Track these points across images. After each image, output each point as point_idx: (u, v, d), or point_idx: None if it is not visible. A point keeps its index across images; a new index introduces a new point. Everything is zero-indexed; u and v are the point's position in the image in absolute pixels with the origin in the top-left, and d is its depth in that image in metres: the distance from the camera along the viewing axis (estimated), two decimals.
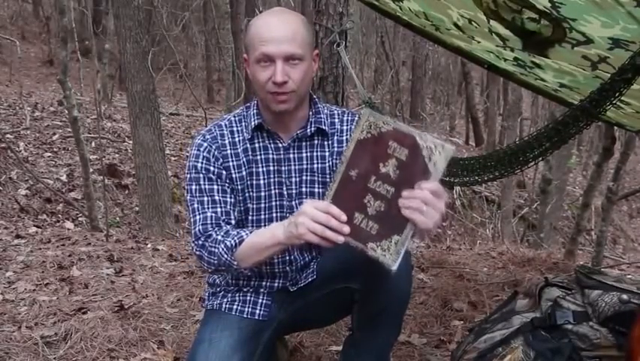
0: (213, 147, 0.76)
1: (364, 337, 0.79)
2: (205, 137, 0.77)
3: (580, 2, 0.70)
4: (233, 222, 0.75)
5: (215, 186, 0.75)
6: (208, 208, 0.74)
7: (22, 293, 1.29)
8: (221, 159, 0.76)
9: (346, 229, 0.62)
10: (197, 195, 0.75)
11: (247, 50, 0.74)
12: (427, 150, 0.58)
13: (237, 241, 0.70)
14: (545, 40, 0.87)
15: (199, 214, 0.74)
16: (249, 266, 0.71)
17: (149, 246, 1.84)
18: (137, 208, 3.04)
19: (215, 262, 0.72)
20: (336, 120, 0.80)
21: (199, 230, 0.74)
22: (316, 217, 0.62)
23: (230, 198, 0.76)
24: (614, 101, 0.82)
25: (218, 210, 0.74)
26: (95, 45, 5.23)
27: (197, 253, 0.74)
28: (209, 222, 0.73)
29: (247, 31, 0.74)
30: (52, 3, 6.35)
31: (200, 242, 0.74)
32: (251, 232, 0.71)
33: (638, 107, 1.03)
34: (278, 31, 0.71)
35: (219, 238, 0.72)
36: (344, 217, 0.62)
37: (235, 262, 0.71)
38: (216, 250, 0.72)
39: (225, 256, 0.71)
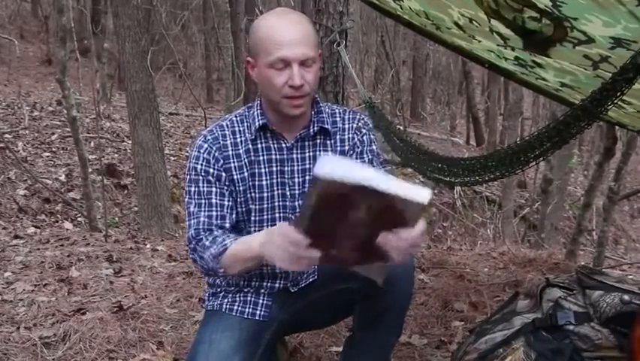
0: (214, 148, 0.76)
1: (365, 337, 0.79)
2: (206, 138, 0.77)
3: (581, 1, 0.70)
4: (227, 225, 0.75)
5: (214, 189, 0.75)
6: (203, 212, 0.74)
7: (20, 294, 1.28)
8: (221, 161, 0.76)
9: (318, 257, 0.59)
10: (195, 197, 0.75)
11: (255, 54, 0.72)
12: (401, 203, 0.54)
13: (221, 249, 0.71)
14: (546, 40, 0.87)
15: (193, 218, 0.75)
16: (237, 274, 0.71)
17: (148, 246, 1.83)
18: (136, 208, 3.02)
19: (206, 267, 0.73)
20: (338, 119, 0.79)
21: (191, 235, 0.74)
22: (286, 249, 0.60)
23: (228, 201, 0.76)
24: (616, 101, 0.82)
25: (214, 213, 0.74)
26: (93, 44, 5.22)
27: (191, 256, 0.75)
28: (201, 226, 0.74)
29: (253, 33, 0.73)
30: (50, 2, 6.32)
31: (192, 246, 0.74)
32: (236, 240, 0.70)
33: (639, 107, 1.03)
34: (291, 34, 0.70)
35: (207, 243, 0.73)
36: (316, 254, 0.59)
37: (221, 270, 0.72)
38: (205, 256, 0.72)
39: (212, 263, 0.72)
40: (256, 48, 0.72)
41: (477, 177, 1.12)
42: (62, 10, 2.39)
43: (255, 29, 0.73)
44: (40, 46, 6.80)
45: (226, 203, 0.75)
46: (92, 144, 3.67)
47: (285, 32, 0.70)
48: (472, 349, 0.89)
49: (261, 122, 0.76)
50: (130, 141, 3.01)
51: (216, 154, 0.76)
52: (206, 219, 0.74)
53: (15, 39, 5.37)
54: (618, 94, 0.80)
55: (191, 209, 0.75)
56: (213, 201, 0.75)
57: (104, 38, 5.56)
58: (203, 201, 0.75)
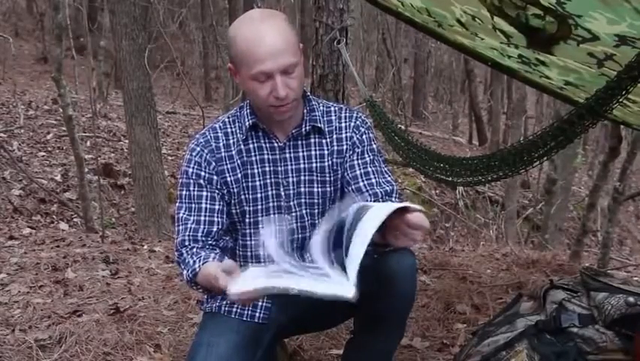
0: (205, 150, 0.76)
1: (366, 340, 0.78)
2: (198, 140, 0.77)
3: None
4: (215, 229, 0.75)
5: (205, 193, 0.75)
6: (193, 217, 0.75)
7: (15, 296, 1.27)
8: (213, 163, 0.76)
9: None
10: (186, 201, 0.76)
11: (236, 63, 0.71)
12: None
13: (191, 275, 0.72)
14: (550, 37, 0.86)
15: (182, 225, 0.75)
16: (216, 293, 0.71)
17: (145, 247, 1.81)
18: (133, 209, 3.00)
19: (186, 280, 0.75)
20: (333, 117, 0.78)
21: (178, 242, 0.75)
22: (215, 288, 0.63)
23: (219, 205, 0.76)
24: (621, 100, 0.80)
25: (202, 218, 0.75)
26: (90, 42, 5.15)
27: (177, 262, 0.76)
28: (187, 235, 0.75)
29: (232, 43, 0.71)
30: None
31: (177, 255, 0.76)
32: (213, 258, 0.71)
33: None
34: (269, 45, 0.68)
35: (187, 258, 0.73)
36: None
37: (200, 289, 0.74)
38: (184, 273, 0.74)
39: (189, 282, 0.73)
40: (236, 59, 0.71)
41: (480, 177, 1.10)
42: (58, 7, 2.36)
43: (233, 39, 0.70)
44: (35, 44, 6.75)
45: (216, 207, 0.75)
46: (88, 144, 3.63)
47: (264, 44, 0.68)
48: (475, 352, 0.88)
49: (251, 121, 0.75)
50: (127, 141, 2.95)
51: (208, 157, 0.76)
52: (193, 226, 0.75)
53: (10, 37, 5.28)
54: (623, 92, 0.79)
55: (181, 214, 0.76)
56: (203, 205, 0.75)
57: (101, 36, 5.51)
58: (193, 205, 0.75)
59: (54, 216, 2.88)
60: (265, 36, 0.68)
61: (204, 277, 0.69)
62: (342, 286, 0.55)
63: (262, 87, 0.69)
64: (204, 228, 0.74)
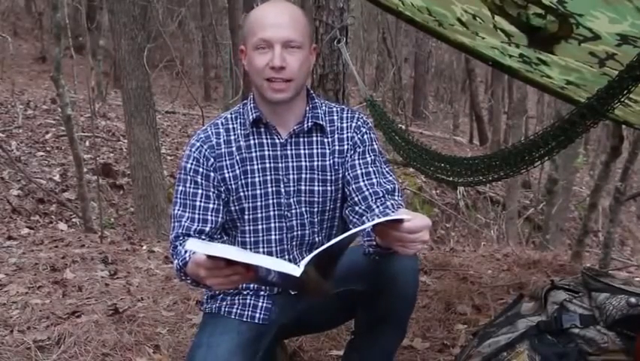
0: (205, 146, 0.76)
1: (367, 341, 0.78)
2: (199, 136, 0.77)
3: None
4: (208, 228, 0.75)
5: (200, 191, 0.75)
6: (187, 214, 0.75)
7: (14, 296, 1.26)
8: (212, 160, 0.76)
9: (239, 277, 0.61)
10: (181, 197, 0.76)
11: (245, 40, 0.74)
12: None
13: (182, 263, 0.72)
14: (551, 37, 0.85)
15: (176, 222, 0.76)
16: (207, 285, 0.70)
17: (144, 248, 1.81)
18: (132, 209, 2.99)
19: (179, 273, 0.74)
20: (335, 118, 0.79)
21: (173, 238, 0.76)
22: (197, 273, 0.63)
23: (214, 204, 0.76)
24: (622, 99, 0.80)
25: (196, 216, 0.75)
26: (89, 41, 5.15)
27: (172, 258, 0.76)
28: (180, 231, 0.75)
29: (245, 22, 0.75)
30: None
31: (171, 251, 0.76)
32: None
33: None
34: (277, 17, 0.72)
35: (179, 250, 0.73)
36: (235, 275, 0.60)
37: (189, 279, 0.73)
38: (174, 263, 0.74)
39: (179, 272, 0.73)
40: (245, 34, 0.74)
41: (480, 177, 1.10)
42: (57, 6, 2.35)
43: (247, 18, 0.75)
44: (34, 43, 6.74)
45: (210, 206, 0.76)
46: (87, 143, 3.63)
47: (272, 16, 0.72)
48: (476, 352, 0.88)
49: (254, 115, 0.76)
50: (126, 140, 2.94)
51: (207, 153, 0.76)
52: (187, 224, 0.75)
53: (8, 36, 5.28)
54: (625, 92, 0.78)
55: (176, 211, 0.76)
56: (197, 203, 0.75)
57: (100, 35, 5.50)
58: (187, 202, 0.76)
59: (53, 217, 2.88)
60: (273, 10, 0.73)
61: (192, 265, 0.68)
62: (292, 267, 0.57)
63: (261, 57, 0.71)
64: (197, 226, 0.75)
